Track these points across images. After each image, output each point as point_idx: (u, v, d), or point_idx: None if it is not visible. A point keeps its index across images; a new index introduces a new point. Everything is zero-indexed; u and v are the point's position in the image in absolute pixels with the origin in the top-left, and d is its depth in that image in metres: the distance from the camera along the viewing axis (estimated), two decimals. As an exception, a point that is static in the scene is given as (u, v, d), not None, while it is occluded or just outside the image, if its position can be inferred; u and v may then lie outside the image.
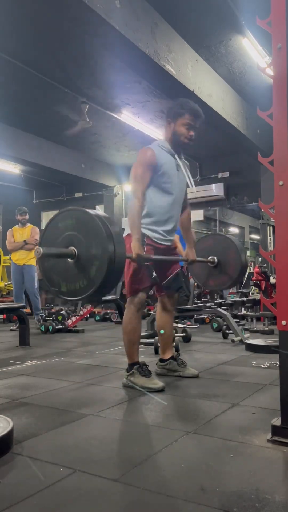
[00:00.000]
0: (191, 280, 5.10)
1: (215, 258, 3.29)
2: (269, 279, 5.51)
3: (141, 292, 2.56)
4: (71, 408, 2.15)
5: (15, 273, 6.12)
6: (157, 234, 2.65)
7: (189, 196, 2.97)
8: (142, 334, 2.97)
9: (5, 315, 7.32)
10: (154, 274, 2.57)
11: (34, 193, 12.55)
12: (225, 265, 3.27)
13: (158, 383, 2.51)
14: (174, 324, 3.78)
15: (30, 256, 6.00)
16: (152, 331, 4.55)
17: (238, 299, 7.24)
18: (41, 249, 1.96)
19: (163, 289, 2.82)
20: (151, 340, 3.87)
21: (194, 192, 2.95)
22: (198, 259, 3.06)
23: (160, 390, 2.45)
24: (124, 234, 2.73)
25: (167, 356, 2.90)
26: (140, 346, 2.69)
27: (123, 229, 2.72)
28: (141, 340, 3.00)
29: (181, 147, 2.71)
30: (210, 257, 3.29)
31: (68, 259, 2.06)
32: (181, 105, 2.63)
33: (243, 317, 6.03)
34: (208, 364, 3.27)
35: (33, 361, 3.52)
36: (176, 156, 2.68)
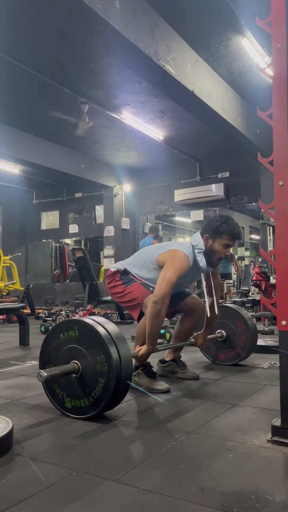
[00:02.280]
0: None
1: (223, 332, 3.18)
2: (269, 279, 5.51)
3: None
4: (71, 408, 2.15)
5: None
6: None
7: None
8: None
9: (5, 315, 7.33)
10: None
11: (34, 193, 12.54)
12: (234, 340, 3.16)
13: (163, 384, 2.50)
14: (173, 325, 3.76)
15: None
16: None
17: (238, 299, 7.24)
18: (43, 372, 1.85)
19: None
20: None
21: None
22: (209, 336, 2.99)
23: (166, 392, 2.44)
24: (112, 268, 2.72)
25: (169, 357, 2.90)
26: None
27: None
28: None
29: (212, 262, 2.60)
30: (218, 331, 3.19)
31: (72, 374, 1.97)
32: (223, 225, 2.50)
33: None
34: (208, 364, 3.28)
35: (33, 361, 3.52)
36: (203, 275, 2.69)
